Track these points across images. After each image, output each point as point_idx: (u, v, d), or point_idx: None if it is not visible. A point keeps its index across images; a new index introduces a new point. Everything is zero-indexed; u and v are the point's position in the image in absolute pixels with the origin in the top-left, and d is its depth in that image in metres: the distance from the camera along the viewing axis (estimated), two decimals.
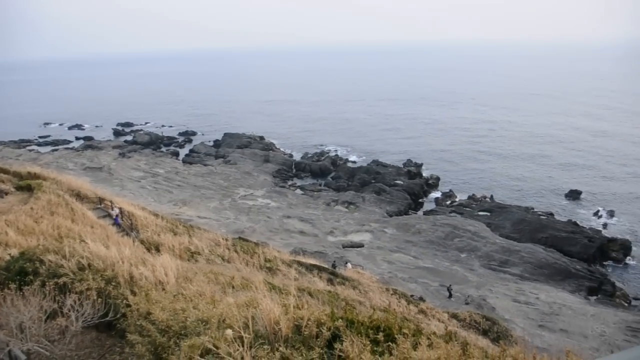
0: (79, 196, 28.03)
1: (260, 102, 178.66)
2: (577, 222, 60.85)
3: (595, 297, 44.90)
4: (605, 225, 60.96)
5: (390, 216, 63.53)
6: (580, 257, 51.90)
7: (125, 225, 25.40)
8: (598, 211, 65.12)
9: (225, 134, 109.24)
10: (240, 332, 5.92)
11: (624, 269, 51.80)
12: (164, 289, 9.20)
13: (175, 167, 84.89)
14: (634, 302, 44.98)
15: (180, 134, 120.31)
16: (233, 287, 10.07)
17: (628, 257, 53.22)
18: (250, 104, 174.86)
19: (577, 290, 45.48)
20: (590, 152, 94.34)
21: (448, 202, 70.68)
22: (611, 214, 64.22)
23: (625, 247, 53.88)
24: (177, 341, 6.55)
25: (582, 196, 70.64)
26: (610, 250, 53.64)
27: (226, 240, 24.47)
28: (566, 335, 36.11)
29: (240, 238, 34.95)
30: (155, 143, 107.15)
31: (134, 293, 8.52)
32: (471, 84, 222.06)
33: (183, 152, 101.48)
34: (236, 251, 21.39)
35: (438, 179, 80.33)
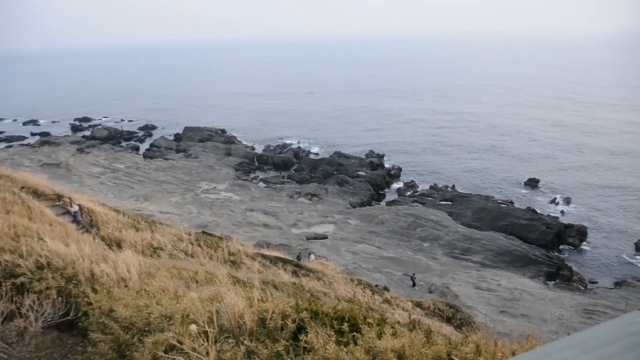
0: (36, 193, 27.30)
1: (222, 95, 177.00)
2: (536, 209, 62.41)
3: (553, 282, 46.28)
4: (562, 212, 62.71)
5: (354, 207, 63.90)
6: (539, 243, 53.31)
7: (85, 222, 24.88)
8: (555, 199, 66.90)
9: (186, 128, 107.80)
10: (204, 327, 5.89)
11: (580, 253, 53.46)
12: (126, 286, 9.06)
13: (135, 162, 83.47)
14: (589, 286, 46.56)
15: (140, 128, 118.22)
16: (197, 282, 10.00)
17: (584, 243, 54.94)
18: (211, 97, 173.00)
19: (536, 276, 46.72)
20: (547, 142, 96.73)
21: (410, 193, 71.49)
22: (567, 201, 66.06)
23: (581, 233, 55.55)
24: (141, 338, 6.47)
25: (540, 184, 72.43)
26: (567, 236, 55.25)
27: (189, 234, 24.24)
28: (527, 320, 37.08)
29: (203, 232, 34.68)
30: (115, 138, 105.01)
31: (95, 291, 8.36)
32: (432, 76, 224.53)
33: (143, 146, 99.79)
34: (200, 245, 21.20)
35: (400, 169, 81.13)
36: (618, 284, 46.58)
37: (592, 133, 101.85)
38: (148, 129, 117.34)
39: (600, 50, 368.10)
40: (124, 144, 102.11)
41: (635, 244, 53.79)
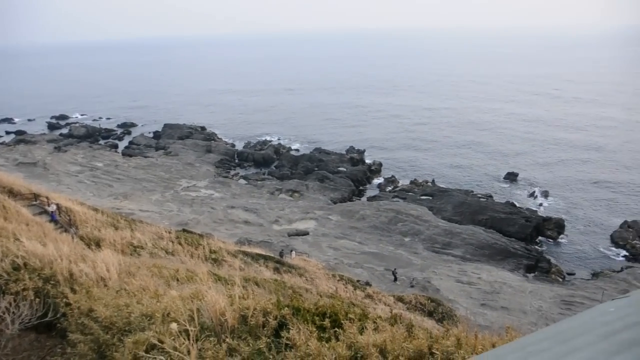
0: (12, 193, 26.87)
1: (202, 91, 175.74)
2: (515, 203, 63.08)
3: (532, 275, 46.90)
4: (540, 206, 63.50)
5: (335, 203, 63.98)
6: (519, 236, 53.92)
7: (63, 221, 24.57)
8: (534, 192, 67.70)
9: (166, 125, 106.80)
10: (185, 325, 5.85)
11: (559, 246, 54.26)
12: (106, 285, 8.98)
13: (114, 160, 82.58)
14: (567, 277, 47.31)
15: (119, 126, 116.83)
16: (178, 280, 9.94)
17: (562, 235, 55.74)
18: (191, 94, 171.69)
19: (516, 269, 47.28)
20: (525, 137, 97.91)
21: (391, 188, 71.74)
22: (546, 194, 66.90)
23: (559, 226, 56.32)
24: (122, 338, 6.41)
25: (518, 178, 73.25)
26: (545, 229, 55.97)
27: (169, 232, 24.08)
28: (507, 312, 37.54)
29: (184, 230, 34.47)
30: (93, 136, 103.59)
31: (74, 291, 8.26)
32: (414, 71, 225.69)
33: (122, 144, 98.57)
34: (180, 243, 21.08)
35: (380, 165, 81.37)
36: (595, 275, 47.41)
37: (568, 128, 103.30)
38: (127, 127, 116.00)
39: (596, 47, 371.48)
40: (102, 142, 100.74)
41: (611, 236, 54.80)
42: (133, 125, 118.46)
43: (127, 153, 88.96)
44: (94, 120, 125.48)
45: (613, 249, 52.95)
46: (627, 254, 51.65)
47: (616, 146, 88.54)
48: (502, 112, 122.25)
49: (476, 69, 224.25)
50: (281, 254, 36.62)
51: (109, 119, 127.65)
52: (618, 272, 47.44)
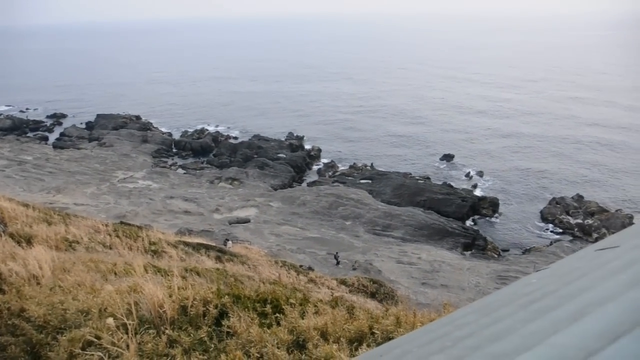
0: None
1: (138, 80, 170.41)
2: (451, 184, 64.88)
3: (470, 252, 48.53)
4: (475, 186, 65.55)
5: (275, 190, 63.91)
6: (456, 216, 55.57)
7: None
8: (469, 173, 69.82)
9: (99, 115, 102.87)
10: (123, 320, 5.74)
11: (494, 224, 56.36)
12: (38, 283, 8.65)
13: (45, 153, 79.22)
14: (502, 254, 49.34)
15: (48, 117, 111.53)
16: (116, 274, 9.70)
17: (496, 213, 57.86)
18: (126, 82, 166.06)
19: (454, 247, 48.75)
20: (458, 120, 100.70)
21: (330, 173, 72.27)
22: (480, 174, 69.13)
23: (493, 204, 58.44)
24: (57, 336, 6.22)
25: (454, 160, 75.29)
26: (481, 208, 57.97)
27: (107, 226, 23.36)
28: (446, 290, 38.66)
29: (122, 222, 33.52)
30: (20, 128, 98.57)
31: (3, 291, 7.93)
32: (350, 58, 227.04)
33: (53, 136, 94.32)
34: (118, 236, 20.50)
35: (320, 150, 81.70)
36: (527, 250, 49.67)
37: (501, 110, 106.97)
38: (57, 118, 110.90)
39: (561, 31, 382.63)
40: (30, 134, 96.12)
41: (541, 212, 57.47)
42: (63, 116, 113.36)
43: (59, 145, 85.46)
44: (21, 111, 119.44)
45: (543, 224, 55.62)
46: (555, 228, 54.40)
47: (545, 129, 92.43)
48: (436, 97, 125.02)
49: (418, 55, 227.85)
50: (225, 243, 36.33)
51: (36, 109, 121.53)
52: (548, 246, 49.91)
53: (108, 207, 56.41)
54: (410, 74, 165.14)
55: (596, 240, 47.33)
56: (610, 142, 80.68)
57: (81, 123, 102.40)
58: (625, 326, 1.20)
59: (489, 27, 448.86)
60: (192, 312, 6.22)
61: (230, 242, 40.34)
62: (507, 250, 50.18)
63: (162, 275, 9.28)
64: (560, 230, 53.81)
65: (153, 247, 20.30)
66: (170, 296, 6.39)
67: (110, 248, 18.65)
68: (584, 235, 51.76)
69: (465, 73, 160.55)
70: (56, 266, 9.80)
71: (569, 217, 55.26)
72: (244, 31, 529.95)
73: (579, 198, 59.16)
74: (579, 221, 54.41)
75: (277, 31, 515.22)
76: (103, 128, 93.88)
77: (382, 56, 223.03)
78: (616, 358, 1.06)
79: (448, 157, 75.74)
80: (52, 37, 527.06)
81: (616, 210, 55.68)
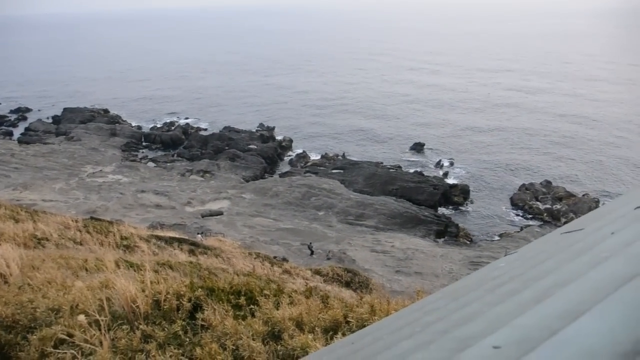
0: None
1: (106, 72, 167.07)
2: (423, 172, 65.42)
3: (442, 239, 49.15)
4: (446, 174, 66.24)
5: (247, 181, 63.67)
6: (428, 204, 56.12)
7: None
8: (440, 161, 70.51)
9: (65, 109, 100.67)
10: (95, 316, 5.69)
11: (465, 211, 57.10)
12: (6, 282, 8.51)
13: (10, 149, 77.33)
14: (474, 240, 50.07)
15: (12, 112, 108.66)
16: (87, 270, 9.59)
17: (468, 201, 58.61)
18: (95, 75, 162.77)
19: (427, 235, 49.28)
20: (426, 106, 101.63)
21: (302, 163, 72.20)
22: (451, 162, 69.92)
23: (464, 192, 59.18)
24: (27, 335, 6.13)
25: (424, 148, 75.88)
26: (452, 195, 58.60)
27: (77, 222, 23.05)
28: (420, 277, 39.13)
29: (92, 218, 33.10)
30: None
31: None
32: (309, 49, 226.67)
33: (18, 131, 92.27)
34: (89, 232, 20.26)
35: (291, 141, 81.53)
36: (499, 236, 50.48)
37: (473, 98, 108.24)
38: (21, 112, 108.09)
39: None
40: None
41: (511, 198, 58.42)
42: (28, 110, 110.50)
43: (24, 140, 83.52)
44: None
45: (513, 210, 56.54)
46: (525, 214, 55.35)
47: (515, 116, 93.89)
48: (405, 85, 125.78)
49: (382, 44, 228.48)
50: (195, 236, 36.13)
51: None
52: (519, 231, 50.82)
53: (77, 203, 55.52)
54: (377, 65, 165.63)
55: (564, 224, 48.45)
56: (575, 132, 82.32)
57: (47, 117, 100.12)
58: (585, 305, 1.24)
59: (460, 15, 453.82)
60: (165, 307, 6.19)
61: (200, 235, 39.90)
62: (479, 237, 50.97)
63: (134, 270, 9.20)
64: (530, 216, 54.79)
65: (125, 242, 20.11)
66: (143, 291, 6.35)
67: (81, 244, 18.41)
68: (553, 220, 52.77)
69: (433, 64, 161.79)
70: (25, 264, 9.64)
71: (538, 203, 56.28)
72: (202, 22, 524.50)
73: (547, 184, 60.29)
74: (548, 206, 55.47)
75: (237, 22, 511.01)
76: (70, 122, 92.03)
77: (348, 46, 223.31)
78: (577, 336, 1.10)
79: (418, 146, 76.29)
80: (15, 30, 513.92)
81: (583, 195, 56.94)
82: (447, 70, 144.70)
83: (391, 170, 65.39)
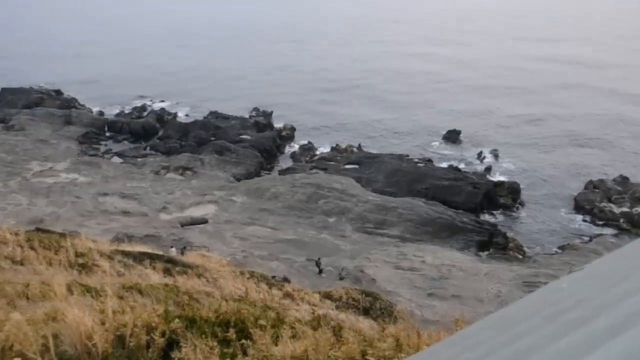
0: None
1: (54, 45, 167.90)
2: (459, 167, 65.22)
3: (487, 253, 48.95)
4: (489, 169, 65.99)
5: (238, 180, 63.79)
6: (467, 207, 55.91)
7: None
8: (481, 153, 70.26)
9: (4, 90, 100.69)
10: (37, 359, 5.56)
11: (515, 216, 56.67)
12: None
13: None
14: (528, 253, 49.55)
15: None
16: (28, 298, 9.48)
17: (518, 202, 58.18)
18: (39, 48, 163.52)
19: (466, 247, 49.12)
20: (462, 85, 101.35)
21: (308, 157, 72.24)
22: (495, 155, 69.59)
23: (514, 191, 58.88)
24: None
25: (461, 137, 75.61)
26: (498, 195, 58.34)
27: (17, 234, 23.04)
28: (459, 302, 38.91)
29: (38, 229, 33.18)
30: None
31: None
32: (317, 19, 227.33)
33: None
34: (33, 248, 20.23)
35: (293, 129, 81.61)
36: (560, 248, 50.09)
37: (509, 77, 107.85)
38: None
39: None
40: None
41: (575, 199, 57.68)
42: None
43: None
44: None
45: (578, 215, 55.95)
46: (594, 219, 54.62)
47: (573, 97, 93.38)
48: (431, 58, 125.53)
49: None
50: (182, 251, 36.42)
51: None
52: (587, 242, 50.34)
53: (19, 210, 55.75)
54: (400, 29, 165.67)
55: None
56: None
57: None
58: None
59: None
60: (132, 343, 6.06)
61: (173, 249, 39.54)
62: (534, 249, 50.61)
63: (92, 297, 9.09)
64: (601, 222, 54.17)
65: (81, 260, 20.05)
66: (103, 323, 6.22)
67: (22, 264, 18.34)
68: (633, 227, 52.06)
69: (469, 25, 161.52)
70: None
71: (612, 205, 55.60)
72: None
73: (624, 180, 59.57)
74: (625, 209, 54.78)
75: None
76: (11, 106, 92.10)
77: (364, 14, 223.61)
78: None
79: (453, 134, 76.07)
80: None
81: None
82: (482, 41, 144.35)
83: (419, 164, 65.32)
